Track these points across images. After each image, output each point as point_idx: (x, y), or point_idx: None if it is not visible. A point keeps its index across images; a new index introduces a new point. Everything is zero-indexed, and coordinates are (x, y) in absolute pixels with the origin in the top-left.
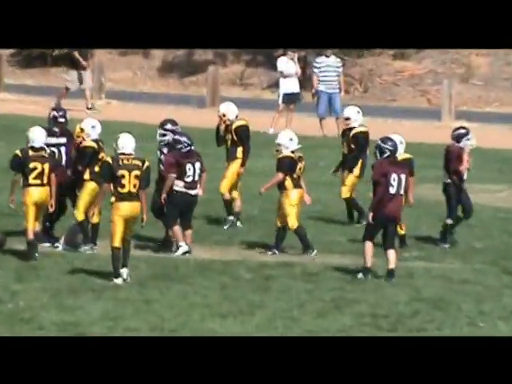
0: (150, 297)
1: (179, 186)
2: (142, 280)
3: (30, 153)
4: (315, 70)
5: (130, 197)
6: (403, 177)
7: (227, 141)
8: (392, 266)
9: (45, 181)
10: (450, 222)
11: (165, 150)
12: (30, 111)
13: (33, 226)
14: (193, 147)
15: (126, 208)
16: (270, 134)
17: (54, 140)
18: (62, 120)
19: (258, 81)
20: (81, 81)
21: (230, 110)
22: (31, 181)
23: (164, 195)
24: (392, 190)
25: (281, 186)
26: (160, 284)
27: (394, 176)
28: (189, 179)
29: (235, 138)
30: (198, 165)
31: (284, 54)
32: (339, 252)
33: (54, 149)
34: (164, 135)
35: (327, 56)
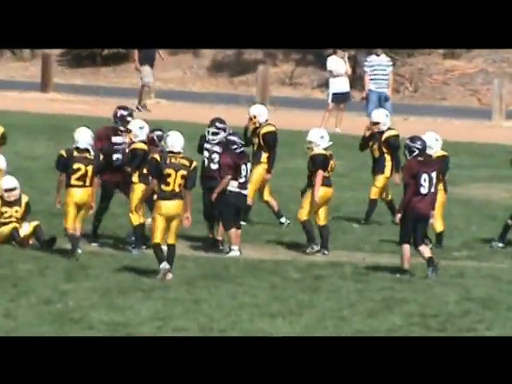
0: (199, 297)
1: (233, 186)
2: (191, 280)
3: (75, 153)
4: (366, 69)
5: (172, 196)
6: (434, 175)
7: (254, 144)
8: (428, 254)
9: (87, 183)
10: (510, 222)
11: (216, 149)
12: (80, 111)
13: (72, 224)
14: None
15: (167, 206)
16: None
17: (120, 139)
18: (129, 119)
19: (308, 80)
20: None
21: (261, 112)
22: (73, 181)
23: (215, 195)
24: (423, 191)
25: (310, 183)
26: (209, 284)
27: (424, 176)
28: (242, 180)
29: (262, 143)
30: (249, 165)
31: (334, 53)
32: (389, 251)
33: (119, 147)
34: (217, 133)
35: (377, 55)
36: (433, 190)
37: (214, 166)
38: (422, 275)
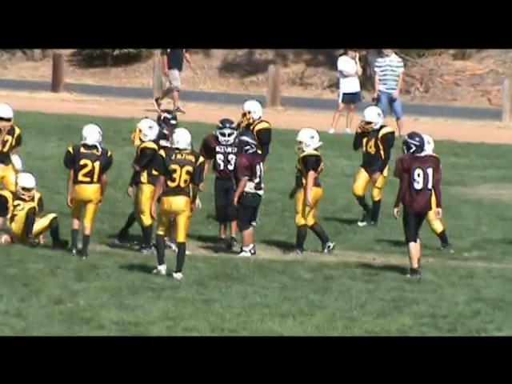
0: (209, 296)
1: (250, 187)
2: (202, 280)
3: (82, 150)
4: (376, 70)
5: (176, 191)
6: (430, 171)
7: None
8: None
9: (94, 179)
10: None
11: (230, 150)
12: (90, 111)
13: (77, 218)
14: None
15: (170, 202)
16: (330, 133)
17: (164, 142)
18: (174, 122)
19: (319, 80)
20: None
21: (255, 108)
22: (80, 178)
23: (236, 198)
24: (417, 186)
25: (300, 183)
26: (220, 284)
27: (418, 171)
28: (257, 180)
29: (256, 139)
30: (262, 165)
31: (345, 54)
32: (399, 252)
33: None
34: (231, 134)
35: (387, 55)
36: (429, 186)
37: (231, 168)
38: (432, 276)
